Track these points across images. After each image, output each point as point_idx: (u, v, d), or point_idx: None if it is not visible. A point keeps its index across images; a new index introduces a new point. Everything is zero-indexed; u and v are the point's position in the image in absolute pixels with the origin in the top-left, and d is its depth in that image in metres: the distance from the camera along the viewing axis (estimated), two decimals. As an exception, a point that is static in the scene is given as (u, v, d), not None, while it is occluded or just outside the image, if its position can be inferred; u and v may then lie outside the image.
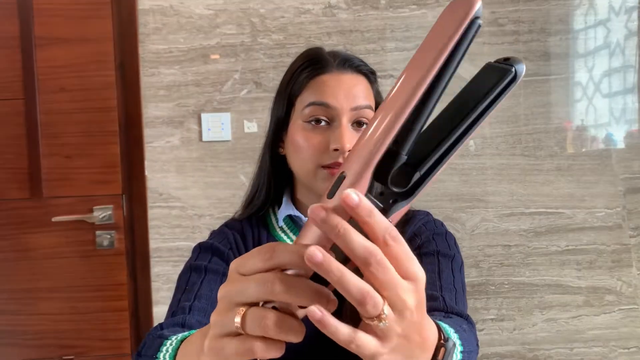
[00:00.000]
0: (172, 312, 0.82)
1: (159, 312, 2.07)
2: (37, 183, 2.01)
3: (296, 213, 0.92)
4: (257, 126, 2.05)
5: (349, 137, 0.83)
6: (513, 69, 0.37)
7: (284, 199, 0.94)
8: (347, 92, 0.86)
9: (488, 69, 0.38)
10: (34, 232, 2.02)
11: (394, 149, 0.36)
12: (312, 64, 0.90)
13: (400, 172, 0.37)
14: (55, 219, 2.01)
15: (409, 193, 0.37)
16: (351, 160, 0.37)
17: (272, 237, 0.94)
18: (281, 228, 0.93)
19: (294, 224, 0.93)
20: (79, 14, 2.00)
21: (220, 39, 2.04)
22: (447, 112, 0.38)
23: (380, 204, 0.37)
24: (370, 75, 0.92)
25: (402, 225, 0.92)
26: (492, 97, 0.37)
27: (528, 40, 2.13)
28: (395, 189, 0.37)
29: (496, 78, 0.37)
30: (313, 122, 0.86)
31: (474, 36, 0.35)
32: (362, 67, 0.91)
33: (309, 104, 0.86)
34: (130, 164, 2.05)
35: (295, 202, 0.95)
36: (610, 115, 2.21)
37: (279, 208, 0.95)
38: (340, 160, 0.83)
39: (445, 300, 0.81)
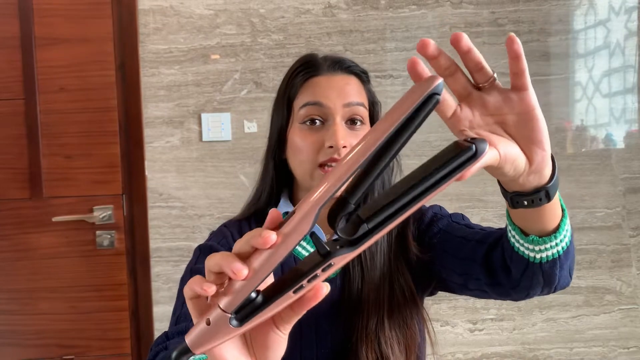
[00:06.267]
0: (176, 318, 0.84)
1: (159, 312, 2.07)
2: (38, 183, 2.01)
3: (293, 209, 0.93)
4: (257, 126, 2.05)
5: (342, 134, 0.86)
6: (474, 147, 0.41)
7: (282, 198, 0.96)
8: (339, 90, 0.88)
9: (453, 144, 0.43)
10: (34, 232, 2.03)
11: (345, 197, 0.41)
12: (305, 68, 0.92)
13: (353, 222, 0.41)
14: (55, 219, 2.01)
15: (355, 242, 0.41)
16: (304, 200, 0.41)
17: None
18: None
19: None
20: (79, 14, 2.00)
21: (220, 39, 2.05)
22: (406, 178, 0.42)
23: (326, 247, 0.41)
24: (361, 74, 0.94)
25: (416, 221, 0.95)
26: (447, 170, 0.41)
27: (528, 40, 2.13)
28: (342, 235, 0.41)
29: (454, 153, 0.41)
30: (308, 123, 0.88)
31: (431, 109, 0.40)
32: (353, 68, 0.93)
33: (303, 105, 0.89)
34: (131, 164, 2.05)
35: (293, 200, 0.96)
36: (610, 115, 2.21)
37: (277, 207, 0.96)
38: (336, 156, 0.85)
39: (492, 228, 0.84)
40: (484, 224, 0.90)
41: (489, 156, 0.47)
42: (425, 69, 0.49)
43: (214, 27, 2.04)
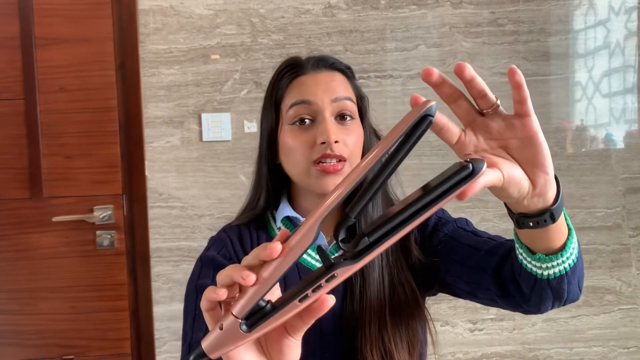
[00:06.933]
0: (188, 345, 0.84)
1: (159, 312, 2.07)
2: (38, 183, 2.01)
3: (294, 214, 0.93)
4: (257, 126, 2.05)
5: (333, 129, 0.86)
6: (471, 166, 0.44)
7: (282, 202, 0.95)
8: (325, 86, 0.89)
9: (454, 164, 0.46)
10: (34, 232, 2.03)
11: (346, 213, 0.45)
12: (290, 69, 0.92)
13: (355, 236, 0.45)
14: (55, 218, 2.01)
15: (357, 255, 0.45)
16: (308, 217, 0.45)
17: (270, 239, 0.94)
18: (279, 229, 0.94)
19: (292, 225, 0.95)
20: (79, 14, 2.01)
21: (221, 39, 2.05)
22: (409, 196, 0.45)
23: (330, 259, 0.45)
24: (346, 70, 0.94)
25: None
26: (445, 187, 0.44)
27: (528, 40, 2.13)
28: (344, 247, 0.45)
29: (452, 172, 0.44)
30: (298, 123, 0.88)
31: (425, 129, 0.44)
32: (336, 64, 0.93)
33: (291, 105, 0.89)
34: (131, 164, 2.05)
35: (292, 203, 0.96)
36: (610, 115, 2.21)
37: (276, 211, 0.96)
38: (329, 151, 0.85)
39: (501, 237, 0.85)
40: (484, 224, 0.91)
41: (493, 176, 0.50)
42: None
43: (214, 27, 2.04)
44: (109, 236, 2.04)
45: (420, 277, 0.91)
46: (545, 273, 0.67)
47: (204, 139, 2.05)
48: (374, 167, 0.43)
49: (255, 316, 0.47)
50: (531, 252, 0.66)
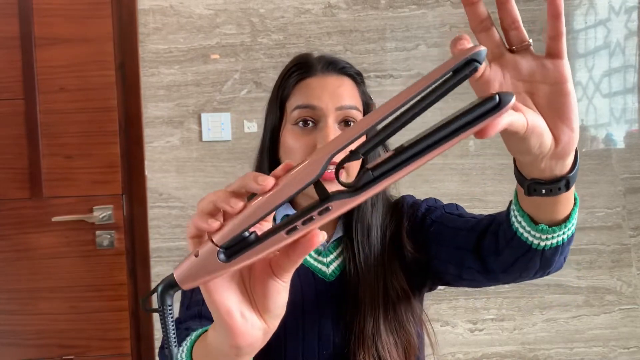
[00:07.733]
0: (186, 306, 0.85)
1: (159, 312, 2.07)
2: (37, 183, 2.01)
3: (294, 212, 0.93)
4: (257, 126, 2.05)
5: (334, 137, 0.85)
6: (497, 97, 0.38)
7: None
8: (332, 93, 0.88)
9: (476, 99, 0.40)
10: (34, 232, 2.03)
11: (356, 148, 0.40)
12: (299, 69, 0.92)
13: (360, 170, 0.41)
14: (55, 218, 2.01)
15: (357, 189, 0.40)
16: (318, 149, 0.42)
17: None
18: None
19: None
20: (79, 14, 2.00)
21: (220, 39, 2.05)
22: (424, 130, 0.40)
23: (326, 191, 0.41)
24: (355, 76, 0.94)
25: (392, 212, 0.95)
26: (466, 119, 0.39)
27: (528, 40, 2.13)
28: (345, 184, 0.41)
29: (476, 103, 0.39)
30: (301, 124, 0.88)
31: (467, 75, 0.38)
32: (347, 69, 0.93)
33: (296, 107, 0.89)
34: (130, 164, 2.05)
35: (292, 202, 0.96)
36: (611, 115, 2.21)
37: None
38: None
39: (482, 215, 0.84)
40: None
41: (517, 118, 0.44)
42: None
43: (214, 27, 2.04)
44: (109, 236, 2.04)
45: (415, 276, 0.91)
46: (542, 244, 0.65)
47: (203, 139, 2.05)
48: (398, 110, 0.39)
49: (237, 246, 0.41)
50: (533, 222, 0.64)
